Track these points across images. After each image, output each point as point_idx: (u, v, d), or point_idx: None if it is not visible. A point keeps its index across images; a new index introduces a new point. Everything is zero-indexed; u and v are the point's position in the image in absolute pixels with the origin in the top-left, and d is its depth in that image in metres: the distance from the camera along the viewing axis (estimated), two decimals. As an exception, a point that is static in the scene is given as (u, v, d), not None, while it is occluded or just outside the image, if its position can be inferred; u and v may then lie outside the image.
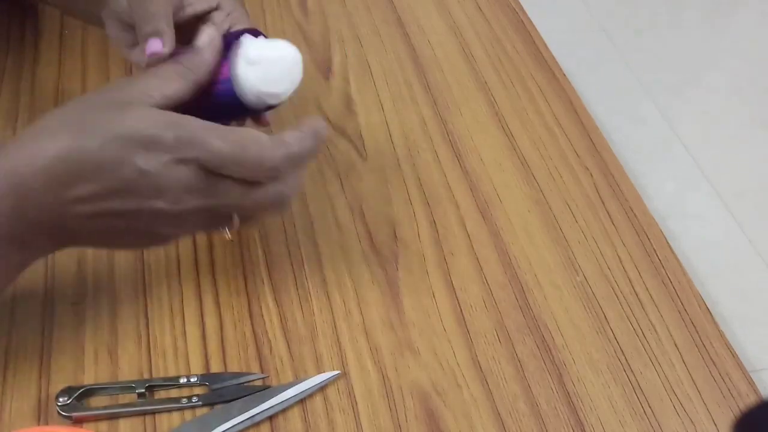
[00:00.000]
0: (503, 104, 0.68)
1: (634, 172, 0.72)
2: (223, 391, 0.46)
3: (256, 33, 0.47)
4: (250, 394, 0.46)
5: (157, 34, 0.46)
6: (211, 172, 0.41)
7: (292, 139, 0.42)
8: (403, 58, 0.72)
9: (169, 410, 0.45)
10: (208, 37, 0.46)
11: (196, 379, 0.47)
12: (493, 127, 0.66)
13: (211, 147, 0.40)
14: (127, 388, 0.46)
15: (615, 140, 0.73)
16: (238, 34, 0.46)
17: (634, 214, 0.60)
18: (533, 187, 0.61)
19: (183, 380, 0.46)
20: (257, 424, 0.45)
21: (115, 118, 0.40)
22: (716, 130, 1.47)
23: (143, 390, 0.45)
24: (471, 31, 0.76)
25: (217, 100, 0.45)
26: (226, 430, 0.44)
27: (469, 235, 0.57)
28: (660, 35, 1.68)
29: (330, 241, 0.55)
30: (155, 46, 0.45)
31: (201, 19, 0.50)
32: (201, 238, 0.55)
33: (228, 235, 0.54)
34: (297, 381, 0.47)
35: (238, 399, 0.46)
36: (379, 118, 0.66)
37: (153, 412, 0.45)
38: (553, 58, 0.74)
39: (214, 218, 0.43)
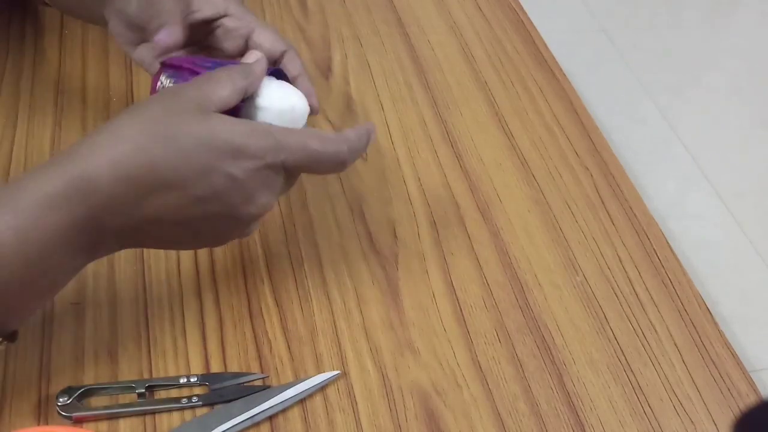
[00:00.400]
0: (503, 104, 0.68)
1: (634, 172, 0.72)
2: (223, 391, 0.46)
3: (277, 73, 0.49)
4: (250, 394, 0.46)
5: (166, 26, 0.49)
6: (291, 171, 0.43)
7: (352, 136, 0.45)
8: (403, 58, 0.72)
9: (169, 410, 0.45)
10: (255, 56, 0.48)
11: (196, 379, 0.46)
12: (493, 127, 0.66)
13: (303, 148, 0.42)
14: (127, 388, 0.46)
15: (615, 140, 0.73)
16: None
17: (634, 214, 0.60)
18: (533, 187, 0.61)
19: (183, 380, 0.46)
20: (257, 424, 0.45)
21: (199, 126, 0.41)
22: (716, 130, 1.47)
23: (143, 390, 0.45)
24: (471, 31, 0.76)
25: None
26: (226, 430, 0.44)
27: (469, 235, 0.57)
28: (660, 35, 1.68)
29: (330, 241, 0.55)
30: (162, 34, 0.49)
31: (210, 24, 0.52)
32: (201, 238, 0.55)
33: None
34: (297, 381, 0.47)
35: (238, 399, 0.46)
36: (378, 118, 0.66)
37: (153, 412, 0.45)
38: (553, 58, 0.74)
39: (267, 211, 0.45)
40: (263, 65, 0.46)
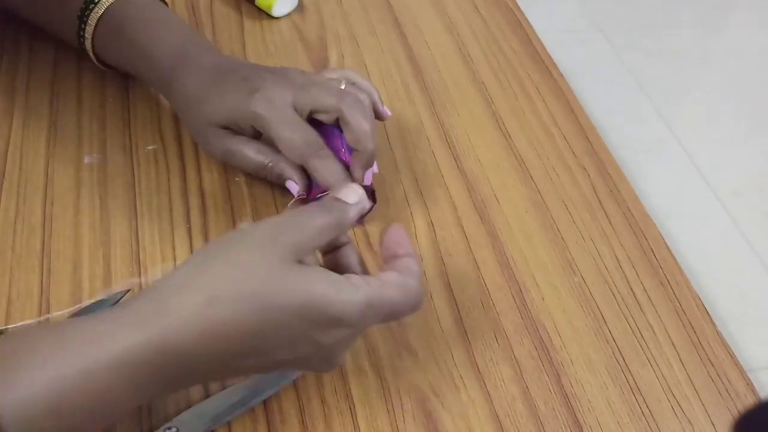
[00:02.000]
0: (500, 104, 0.68)
1: (631, 172, 0.72)
2: None
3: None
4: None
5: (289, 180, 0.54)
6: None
7: (413, 279, 0.42)
8: (400, 58, 0.72)
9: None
10: (354, 196, 0.43)
11: None
12: (491, 128, 0.66)
13: (390, 305, 0.40)
14: None
15: (612, 140, 0.73)
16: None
17: (632, 214, 0.60)
18: (531, 188, 0.61)
19: None
20: (252, 409, 0.45)
21: (295, 290, 0.37)
22: (714, 130, 1.47)
23: None
24: (468, 31, 0.76)
25: None
26: (221, 416, 0.44)
27: (466, 236, 0.57)
28: (657, 35, 1.68)
29: (327, 242, 0.55)
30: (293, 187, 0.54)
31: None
32: (197, 240, 0.54)
33: None
34: None
35: (230, 386, 0.46)
36: (376, 118, 0.65)
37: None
38: (551, 58, 0.74)
39: None
40: (357, 211, 0.43)
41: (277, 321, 0.37)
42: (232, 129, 0.54)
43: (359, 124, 0.52)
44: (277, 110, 0.52)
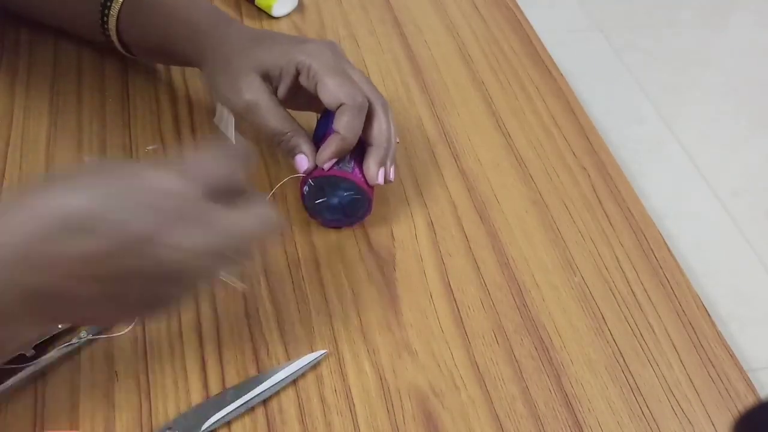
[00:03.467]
0: (500, 104, 0.68)
1: (631, 172, 0.72)
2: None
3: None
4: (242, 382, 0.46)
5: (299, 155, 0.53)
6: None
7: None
8: (400, 58, 0.72)
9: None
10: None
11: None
12: (491, 128, 0.66)
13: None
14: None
15: (612, 140, 0.72)
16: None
17: (632, 214, 0.60)
18: (531, 188, 0.61)
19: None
20: (252, 409, 0.45)
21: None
22: (713, 129, 1.47)
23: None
24: (468, 30, 0.76)
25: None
26: (222, 417, 0.44)
27: (466, 236, 0.57)
28: (657, 35, 1.68)
29: (327, 242, 0.55)
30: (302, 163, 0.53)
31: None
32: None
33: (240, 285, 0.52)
34: (287, 363, 0.47)
35: (230, 388, 0.46)
36: (376, 118, 0.65)
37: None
38: (551, 57, 0.74)
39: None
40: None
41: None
42: (270, 80, 0.54)
43: (383, 120, 0.53)
44: (326, 62, 0.52)
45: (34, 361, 0.45)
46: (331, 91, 0.51)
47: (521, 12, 0.79)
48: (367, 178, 0.53)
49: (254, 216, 0.38)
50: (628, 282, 0.55)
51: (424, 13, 0.78)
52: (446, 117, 0.67)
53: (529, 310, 0.53)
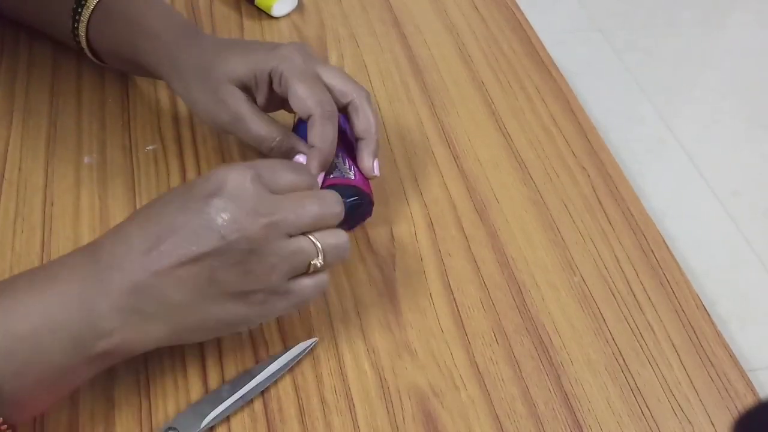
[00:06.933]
0: (500, 104, 0.68)
1: (631, 172, 0.72)
2: None
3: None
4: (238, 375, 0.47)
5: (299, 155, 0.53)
6: None
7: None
8: (400, 59, 0.72)
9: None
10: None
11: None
12: (491, 128, 0.66)
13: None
14: None
15: (612, 140, 0.73)
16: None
17: (632, 214, 0.60)
18: (530, 188, 0.61)
19: None
20: (252, 407, 0.46)
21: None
22: (713, 129, 1.48)
23: None
24: (468, 31, 0.76)
25: None
26: (220, 413, 0.44)
27: (466, 236, 0.57)
28: (657, 35, 1.68)
29: (327, 242, 0.55)
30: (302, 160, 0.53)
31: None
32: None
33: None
34: (280, 353, 0.47)
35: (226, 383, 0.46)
36: (375, 118, 0.65)
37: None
38: (550, 58, 0.74)
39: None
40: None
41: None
42: (248, 90, 0.54)
43: (368, 113, 0.53)
44: (296, 67, 0.52)
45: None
46: (300, 98, 0.51)
47: (521, 12, 0.79)
48: (364, 171, 0.53)
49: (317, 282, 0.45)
50: (627, 282, 0.55)
51: (424, 13, 0.78)
52: (446, 117, 0.67)
53: (529, 310, 0.53)
